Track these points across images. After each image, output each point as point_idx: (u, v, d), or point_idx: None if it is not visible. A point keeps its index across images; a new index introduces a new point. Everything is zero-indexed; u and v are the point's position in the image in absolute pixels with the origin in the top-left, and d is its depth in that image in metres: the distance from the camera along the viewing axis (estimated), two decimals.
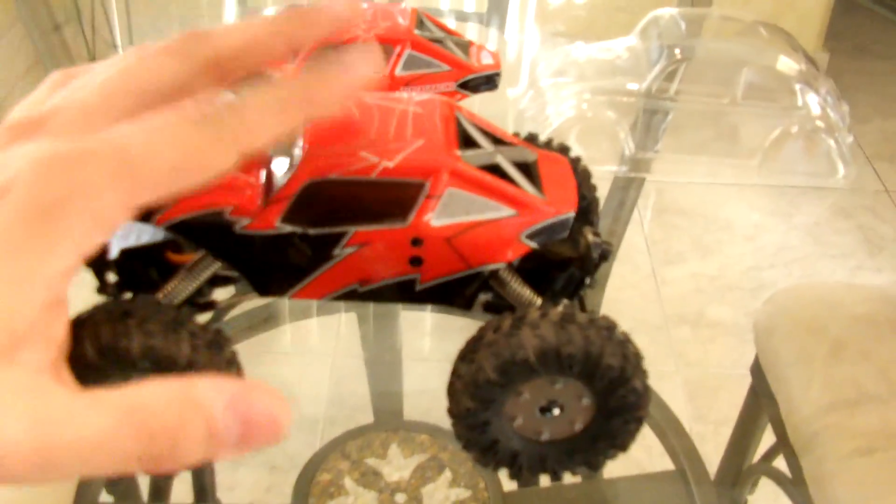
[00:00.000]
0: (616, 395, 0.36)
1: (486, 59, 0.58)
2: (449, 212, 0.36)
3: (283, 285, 0.37)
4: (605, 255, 0.41)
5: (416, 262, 0.37)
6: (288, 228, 0.36)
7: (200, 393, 0.26)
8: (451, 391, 0.37)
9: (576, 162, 0.44)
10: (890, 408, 0.81)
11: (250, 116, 0.29)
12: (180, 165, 0.28)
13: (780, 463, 0.95)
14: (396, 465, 0.85)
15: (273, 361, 1.59)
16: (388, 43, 0.54)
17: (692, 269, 1.80)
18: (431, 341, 1.59)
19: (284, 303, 1.05)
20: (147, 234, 0.39)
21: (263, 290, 0.38)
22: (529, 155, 0.40)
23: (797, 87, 0.62)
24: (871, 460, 0.79)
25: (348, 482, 0.83)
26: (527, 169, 0.39)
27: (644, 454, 1.45)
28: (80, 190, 0.26)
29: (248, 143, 0.29)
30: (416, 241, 0.36)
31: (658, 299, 1.69)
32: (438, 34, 0.57)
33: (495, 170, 0.37)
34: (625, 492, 0.88)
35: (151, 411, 0.26)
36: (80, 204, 0.26)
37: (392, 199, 0.35)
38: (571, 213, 0.37)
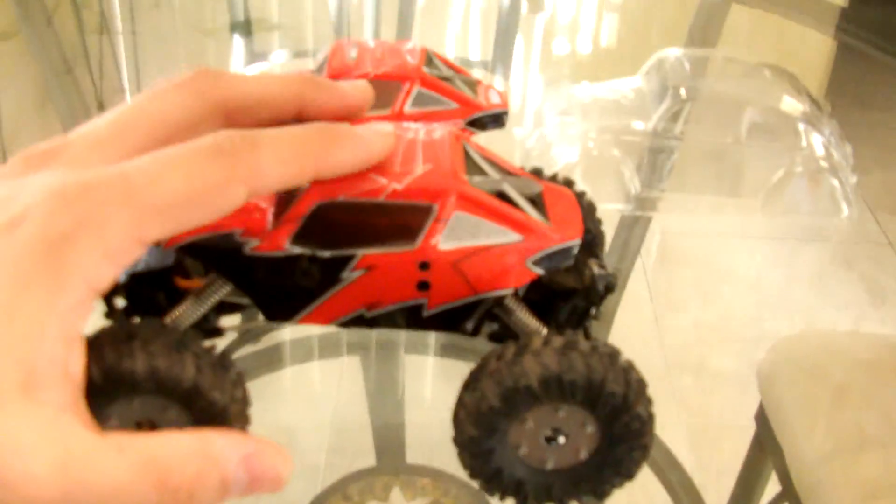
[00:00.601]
0: (620, 422, 0.36)
1: (494, 98, 0.58)
2: (456, 235, 0.36)
3: (290, 309, 0.38)
4: (611, 286, 0.41)
5: (423, 286, 0.37)
6: (297, 250, 0.36)
7: (217, 450, 0.28)
8: (456, 420, 0.37)
9: (580, 196, 0.44)
10: (892, 453, 0.81)
11: (265, 158, 0.30)
12: (189, 197, 0.28)
13: None
14: None
15: (274, 405, 1.58)
16: (397, 80, 0.54)
17: (695, 318, 1.80)
18: (434, 388, 1.59)
19: (286, 346, 1.05)
20: (155, 259, 0.39)
21: (271, 315, 0.38)
22: (535, 186, 0.40)
23: (801, 126, 0.63)
24: None
25: None
26: (532, 198, 0.39)
27: (644, 496, 1.44)
28: (89, 221, 0.27)
29: (259, 184, 0.30)
30: (424, 265, 0.36)
31: (661, 347, 1.69)
32: (447, 72, 0.58)
33: (502, 196, 0.38)
34: None
35: (172, 464, 0.27)
36: (89, 236, 0.27)
37: (400, 221, 0.36)
38: (577, 241, 0.38)
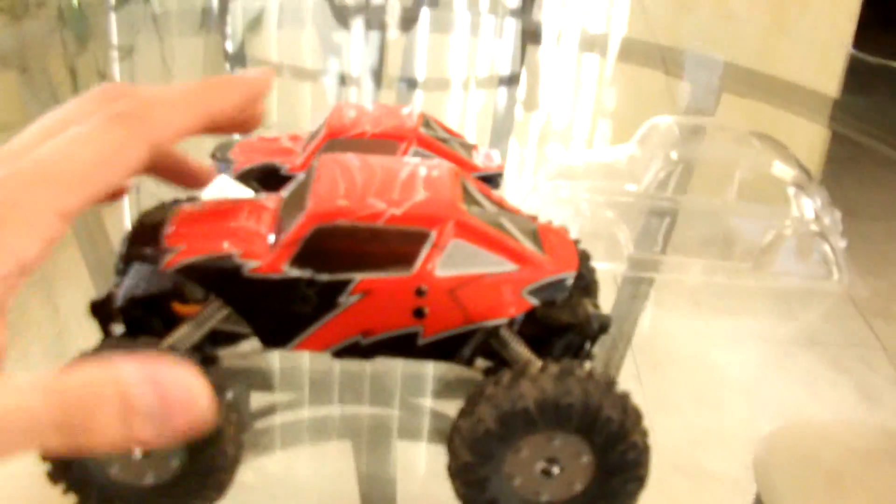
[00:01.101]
0: (615, 451, 0.36)
1: (489, 161, 0.60)
2: (453, 263, 0.37)
3: (286, 334, 0.38)
4: (605, 326, 0.41)
5: (419, 314, 0.37)
6: (295, 273, 0.36)
7: (117, 368, 0.26)
8: (451, 447, 0.37)
9: (575, 243, 0.45)
10: None
11: (157, 113, 0.32)
12: (95, 163, 0.30)
13: None
14: None
15: (259, 456, 1.55)
16: (394, 140, 0.55)
17: (687, 420, 1.78)
18: (428, 451, 1.56)
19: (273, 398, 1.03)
20: (153, 284, 0.40)
21: (267, 340, 0.38)
22: (531, 223, 0.41)
23: (791, 191, 0.64)
24: None
25: None
26: (528, 232, 0.40)
27: None
28: (11, 203, 0.29)
29: (158, 137, 0.32)
30: (420, 292, 0.36)
31: (654, 448, 1.66)
32: (443, 135, 0.59)
33: (499, 228, 0.38)
34: None
35: (69, 386, 0.26)
36: (13, 216, 0.29)
37: (397, 247, 0.36)
38: (572, 273, 0.38)
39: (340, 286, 0.36)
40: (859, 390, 1.94)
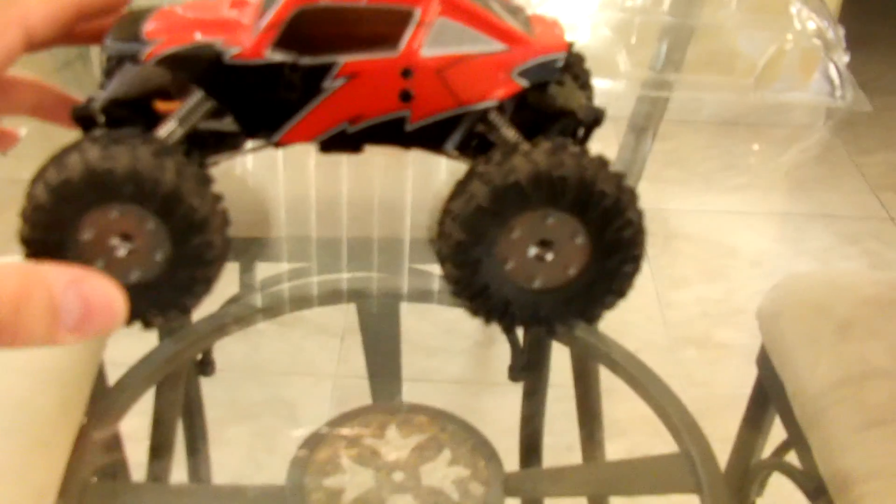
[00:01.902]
0: (611, 229, 0.35)
1: None
2: (440, 42, 0.35)
3: (272, 123, 0.37)
4: (599, 118, 0.40)
5: (406, 96, 0.36)
6: (278, 58, 0.35)
7: (44, 270, 0.28)
8: (441, 231, 0.37)
9: (570, 45, 0.43)
10: None
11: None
12: None
13: (790, 460, 0.93)
14: (395, 445, 0.83)
15: (274, 383, 1.58)
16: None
17: (698, 294, 1.79)
18: (434, 363, 1.58)
19: (285, 293, 1.04)
20: (136, 85, 0.39)
21: (252, 131, 0.37)
22: (521, 9, 0.39)
23: (794, 5, 0.62)
24: (882, 432, 0.77)
25: (345, 461, 0.81)
26: (518, 15, 0.38)
27: (645, 437, 1.43)
28: None
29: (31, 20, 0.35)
30: (407, 72, 0.35)
31: (663, 322, 1.68)
32: None
33: (487, 7, 0.37)
34: (627, 473, 0.86)
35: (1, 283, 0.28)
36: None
37: (382, 27, 0.35)
38: (563, 53, 0.37)
39: (325, 70, 0.35)
40: (871, 261, 1.95)
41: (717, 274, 1.87)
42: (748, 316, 1.75)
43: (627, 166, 0.77)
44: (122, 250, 0.36)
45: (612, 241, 0.36)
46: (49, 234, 0.34)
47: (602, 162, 0.35)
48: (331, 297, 1.02)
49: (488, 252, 0.36)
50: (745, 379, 1.61)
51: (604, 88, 0.60)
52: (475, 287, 0.37)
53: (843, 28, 0.61)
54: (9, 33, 0.33)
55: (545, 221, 0.35)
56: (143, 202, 0.34)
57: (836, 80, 0.63)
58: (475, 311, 0.37)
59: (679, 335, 1.66)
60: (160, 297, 0.36)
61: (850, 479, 0.75)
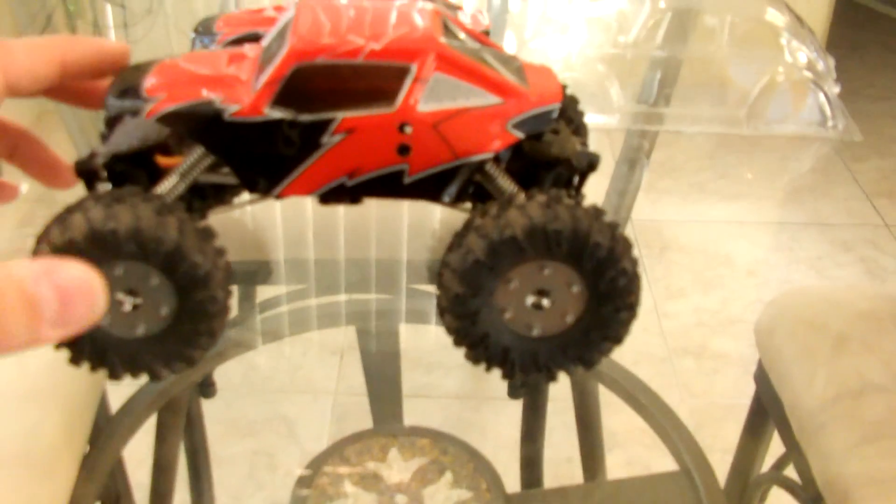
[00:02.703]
0: (606, 279, 0.36)
1: (476, 21, 0.58)
2: (436, 97, 0.36)
3: (271, 179, 0.37)
4: (593, 164, 0.41)
5: (403, 150, 0.37)
6: (277, 114, 0.36)
7: (11, 265, 0.27)
8: (441, 282, 0.37)
9: (563, 87, 0.44)
10: (895, 397, 0.80)
11: (11, 53, 0.36)
12: None
13: (789, 473, 0.94)
14: (397, 469, 0.83)
15: (274, 401, 1.58)
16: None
17: (694, 304, 1.80)
18: (432, 378, 1.58)
19: (285, 317, 1.04)
20: (137, 139, 0.39)
21: (252, 186, 0.38)
22: (515, 59, 0.40)
23: (784, 37, 0.62)
24: (879, 447, 0.78)
25: (348, 485, 0.82)
26: (512, 66, 0.39)
27: (643, 449, 1.43)
28: None
29: (12, 74, 0.35)
30: (404, 127, 0.36)
31: (661, 332, 1.69)
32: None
33: (481, 62, 0.37)
34: (628, 492, 0.86)
35: None
36: None
37: (379, 83, 0.36)
38: (557, 105, 0.38)
39: (323, 125, 0.36)
40: (866, 269, 1.95)
41: (712, 284, 1.88)
42: (744, 326, 1.77)
43: (620, 196, 0.77)
44: (127, 305, 0.36)
45: (608, 290, 0.36)
46: None
47: (596, 213, 0.36)
48: (330, 319, 1.03)
49: (486, 302, 0.37)
50: (742, 389, 1.62)
51: (598, 124, 0.61)
52: (474, 336, 0.37)
53: (833, 58, 0.62)
54: None
55: (542, 272, 0.36)
56: (147, 260, 0.35)
57: (828, 111, 0.63)
58: (475, 359, 0.38)
59: (676, 346, 1.67)
60: (166, 350, 0.37)
61: (849, 495, 0.76)
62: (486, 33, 0.59)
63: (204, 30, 0.60)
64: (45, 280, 0.27)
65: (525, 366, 0.38)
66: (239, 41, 0.57)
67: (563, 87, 0.44)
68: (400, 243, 1.05)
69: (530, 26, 0.65)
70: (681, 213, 2.03)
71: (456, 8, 0.59)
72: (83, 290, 0.28)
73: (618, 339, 0.38)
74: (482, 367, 0.38)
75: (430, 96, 0.36)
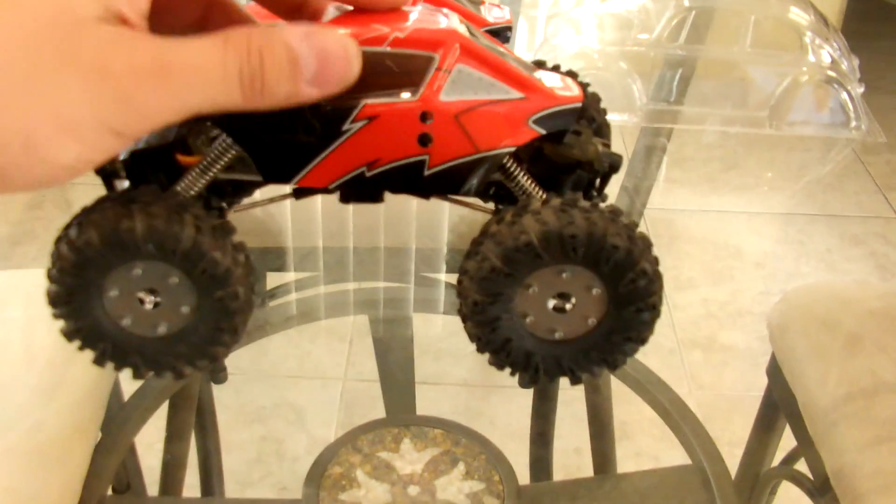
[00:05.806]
0: (624, 280, 0.36)
1: (498, 14, 0.58)
2: (458, 88, 0.36)
3: (290, 167, 0.37)
4: (615, 165, 0.41)
5: (424, 140, 0.36)
6: None
7: (280, 26, 0.30)
8: (460, 290, 0.37)
9: (584, 86, 0.44)
10: None
11: None
12: None
13: (800, 467, 0.94)
14: (409, 459, 0.83)
15: (283, 387, 1.58)
16: None
17: (703, 295, 1.80)
18: (441, 366, 1.59)
19: (293, 305, 1.04)
20: (156, 136, 0.39)
21: (270, 175, 0.37)
22: (535, 67, 0.40)
23: (807, 37, 0.62)
24: (892, 446, 0.77)
25: (360, 475, 0.82)
26: (533, 69, 0.39)
27: (652, 440, 1.43)
28: None
29: None
30: (425, 116, 0.36)
31: (670, 324, 1.68)
32: None
33: (504, 59, 0.37)
34: (641, 486, 0.86)
35: (244, 34, 0.29)
36: None
37: (402, 71, 0.35)
38: (578, 104, 0.37)
39: (345, 112, 0.35)
40: (876, 263, 1.95)
41: (722, 275, 1.87)
42: (754, 318, 1.76)
43: (636, 191, 0.77)
44: (148, 304, 0.36)
45: (627, 291, 0.36)
46: (75, 293, 0.35)
47: (613, 214, 0.36)
48: (340, 308, 1.03)
49: (506, 308, 0.36)
50: (751, 381, 1.62)
51: (619, 121, 0.60)
52: (497, 342, 0.37)
53: (858, 59, 0.62)
54: None
55: (561, 276, 0.36)
56: (165, 258, 0.35)
57: (851, 112, 0.63)
58: (499, 365, 0.38)
59: (685, 337, 1.67)
60: (189, 348, 0.37)
61: (860, 491, 0.75)
62: (508, 28, 0.59)
63: None
64: (306, 41, 0.30)
65: (549, 370, 0.38)
66: None
67: (585, 87, 0.44)
68: (409, 232, 1.04)
69: (553, 26, 0.64)
70: (691, 203, 2.03)
71: (478, 2, 0.59)
72: (339, 55, 0.31)
73: (642, 340, 0.38)
74: (507, 371, 0.38)
75: (453, 87, 0.36)
